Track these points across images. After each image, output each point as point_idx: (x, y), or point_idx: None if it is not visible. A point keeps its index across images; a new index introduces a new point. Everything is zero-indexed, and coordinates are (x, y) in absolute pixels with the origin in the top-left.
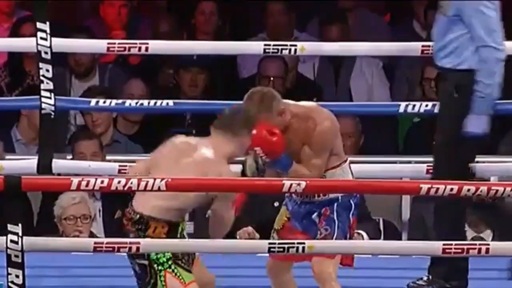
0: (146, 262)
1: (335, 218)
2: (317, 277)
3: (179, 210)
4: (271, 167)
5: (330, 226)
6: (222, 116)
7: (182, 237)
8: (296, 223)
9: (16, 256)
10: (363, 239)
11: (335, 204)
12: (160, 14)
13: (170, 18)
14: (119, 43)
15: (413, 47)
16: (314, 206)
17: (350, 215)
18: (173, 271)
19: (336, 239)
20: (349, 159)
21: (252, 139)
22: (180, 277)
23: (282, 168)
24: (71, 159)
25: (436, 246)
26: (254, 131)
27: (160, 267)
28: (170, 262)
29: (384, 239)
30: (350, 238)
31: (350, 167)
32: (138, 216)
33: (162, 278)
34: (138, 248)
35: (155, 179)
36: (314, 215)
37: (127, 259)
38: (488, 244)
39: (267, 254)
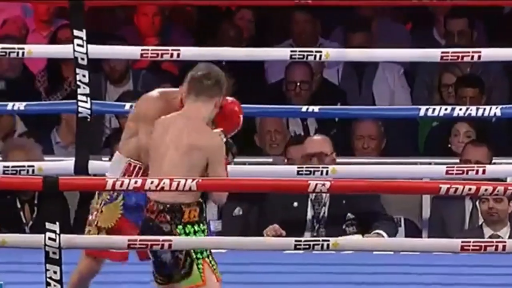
0: (182, 252)
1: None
2: None
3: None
4: None
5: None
6: (193, 82)
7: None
8: (130, 217)
9: (54, 253)
10: None
11: None
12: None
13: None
14: (152, 50)
15: (433, 54)
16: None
17: None
18: (210, 262)
19: None
20: (372, 160)
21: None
22: (216, 271)
23: None
24: (107, 160)
25: (455, 244)
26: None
27: (199, 255)
28: (208, 253)
29: (405, 237)
30: None
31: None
32: (168, 205)
33: (201, 267)
34: (170, 246)
35: (186, 179)
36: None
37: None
38: (505, 242)
39: None
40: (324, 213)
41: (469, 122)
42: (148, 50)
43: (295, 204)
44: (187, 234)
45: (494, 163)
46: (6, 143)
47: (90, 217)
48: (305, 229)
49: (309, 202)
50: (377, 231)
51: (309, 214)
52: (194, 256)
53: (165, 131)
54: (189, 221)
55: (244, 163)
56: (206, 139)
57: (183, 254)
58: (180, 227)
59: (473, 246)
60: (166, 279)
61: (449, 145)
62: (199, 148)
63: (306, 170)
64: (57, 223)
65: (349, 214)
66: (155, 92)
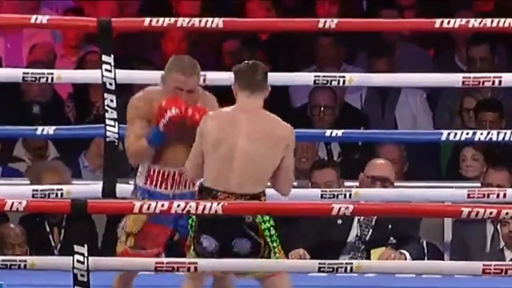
0: (261, 240)
1: None
2: None
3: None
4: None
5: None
6: (245, 78)
7: None
8: (155, 220)
9: (82, 275)
10: (405, 259)
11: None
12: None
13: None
14: None
15: (455, 79)
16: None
17: None
18: (281, 251)
19: None
20: (395, 183)
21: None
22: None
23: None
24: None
25: (476, 267)
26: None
27: (275, 244)
28: (279, 242)
29: (427, 260)
30: None
31: None
32: (248, 196)
33: (278, 256)
34: (196, 268)
35: (212, 202)
36: None
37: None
38: None
39: None
40: (369, 234)
41: (475, 146)
42: None
43: (339, 221)
44: (265, 222)
45: None
46: (38, 166)
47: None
48: (344, 247)
49: (356, 222)
50: (401, 250)
51: (353, 234)
52: (271, 245)
53: (228, 125)
54: None
55: (268, 187)
56: (283, 128)
57: (263, 242)
58: (259, 216)
59: (494, 269)
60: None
61: (460, 171)
62: (278, 136)
63: (329, 194)
64: (85, 245)
65: (391, 238)
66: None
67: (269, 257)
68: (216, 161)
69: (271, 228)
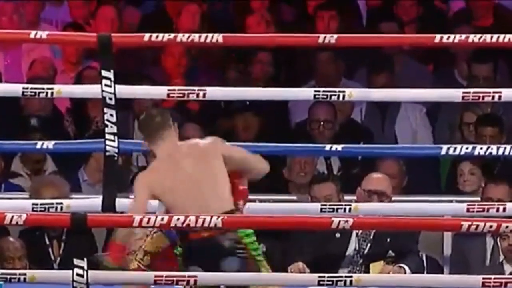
0: (247, 255)
1: None
2: None
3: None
4: None
5: None
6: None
7: None
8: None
9: None
10: (405, 273)
11: None
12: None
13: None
14: (178, 90)
15: (455, 94)
16: None
17: None
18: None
19: None
20: (394, 198)
21: None
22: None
23: None
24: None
25: (476, 280)
26: None
27: (260, 258)
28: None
29: (427, 273)
30: None
31: None
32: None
33: (267, 267)
34: (195, 281)
35: (212, 216)
36: None
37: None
38: None
39: None
40: (367, 248)
41: (472, 161)
42: (174, 90)
43: (338, 235)
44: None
45: None
46: (36, 180)
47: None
48: (343, 260)
49: (354, 236)
50: (400, 264)
51: (351, 247)
52: (258, 259)
53: (167, 171)
54: None
55: (268, 201)
56: (203, 141)
57: (249, 257)
58: (241, 231)
59: (494, 282)
60: None
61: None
62: (204, 148)
63: (329, 208)
64: (85, 259)
65: (390, 252)
66: None
67: (259, 271)
68: (179, 204)
69: (254, 243)
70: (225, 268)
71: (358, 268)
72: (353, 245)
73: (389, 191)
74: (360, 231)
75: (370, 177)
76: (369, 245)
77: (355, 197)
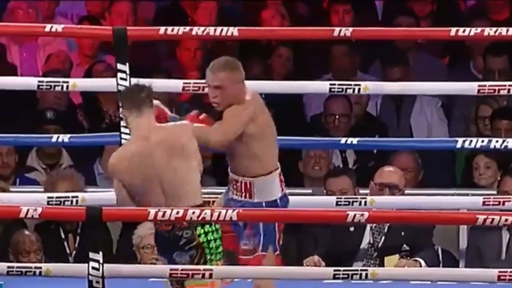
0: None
1: (261, 228)
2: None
3: None
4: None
5: (254, 240)
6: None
7: None
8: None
9: (97, 282)
10: (420, 266)
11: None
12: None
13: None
14: (194, 83)
15: (470, 87)
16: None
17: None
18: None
19: (263, 247)
20: (409, 191)
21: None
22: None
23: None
24: None
25: (492, 274)
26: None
27: (213, 257)
28: (221, 257)
29: (443, 267)
30: (279, 241)
31: (280, 176)
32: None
33: (214, 264)
34: (211, 275)
35: (227, 210)
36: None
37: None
38: None
39: None
40: (382, 242)
41: (488, 154)
42: (190, 83)
43: (352, 229)
44: (206, 234)
45: None
46: (52, 174)
47: None
48: (357, 254)
49: (368, 229)
50: (416, 258)
51: (366, 241)
52: (209, 258)
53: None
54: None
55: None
56: (177, 130)
57: (198, 256)
58: (200, 228)
59: (509, 276)
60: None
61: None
62: (181, 142)
63: (345, 201)
64: (100, 252)
65: (404, 246)
66: None
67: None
68: (154, 196)
69: (215, 241)
70: (177, 261)
71: (372, 262)
72: (367, 238)
73: (401, 184)
74: (374, 225)
75: (382, 171)
76: (383, 238)
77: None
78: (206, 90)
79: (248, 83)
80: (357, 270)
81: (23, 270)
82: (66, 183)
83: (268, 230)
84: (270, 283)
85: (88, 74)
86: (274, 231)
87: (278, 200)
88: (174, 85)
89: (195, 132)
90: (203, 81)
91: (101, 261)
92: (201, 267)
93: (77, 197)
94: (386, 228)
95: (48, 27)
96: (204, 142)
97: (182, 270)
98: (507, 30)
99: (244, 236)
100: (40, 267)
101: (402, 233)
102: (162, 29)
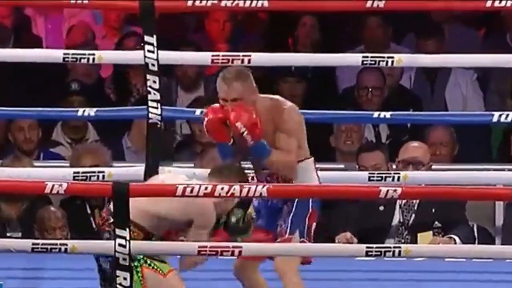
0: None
1: (293, 211)
2: (278, 268)
3: (156, 219)
4: (251, 154)
5: (285, 221)
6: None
7: None
8: (260, 221)
9: (124, 259)
10: (455, 243)
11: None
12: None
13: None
14: (222, 56)
15: (506, 59)
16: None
17: (310, 206)
18: (149, 265)
19: (290, 233)
20: (444, 166)
21: (231, 115)
22: (158, 269)
23: (263, 152)
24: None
25: None
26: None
27: (136, 263)
28: (145, 258)
29: (478, 244)
30: (309, 229)
31: (314, 164)
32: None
33: (140, 274)
34: (240, 252)
35: (256, 185)
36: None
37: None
38: None
39: None
40: (412, 219)
41: None
42: (219, 56)
43: (381, 208)
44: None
45: None
46: (77, 148)
47: None
48: (388, 233)
49: (398, 207)
50: (450, 235)
51: (396, 219)
52: (133, 264)
53: None
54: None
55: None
56: None
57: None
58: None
59: None
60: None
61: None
62: None
63: (377, 176)
64: (127, 229)
65: (436, 222)
66: None
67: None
68: None
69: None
70: (102, 264)
71: (403, 241)
72: (397, 217)
73: (425, 160)
74: (403, 203)
75: (406, 146)
76: (413, 216)
77: None
78: (236, 62)
79: (280, 55)
80: (389, 247)
81: (48, 247)
82: (92, 157)
83: (297, 217)
84: (292, 267)
85: (118, 47)
86: (303, 220)
87: None
88: (202, 57)
89: (279, 164)
90: (232, 53)
91: (128, 237)
92: (230, 244)
93: (103, 172)
94: (416, 205)
95: None
96: (290, 165)
97: (211, 247)
98: None
99: (283, 214)
100: (66, 244)
101: (433, 210)
102: (190, 1)
